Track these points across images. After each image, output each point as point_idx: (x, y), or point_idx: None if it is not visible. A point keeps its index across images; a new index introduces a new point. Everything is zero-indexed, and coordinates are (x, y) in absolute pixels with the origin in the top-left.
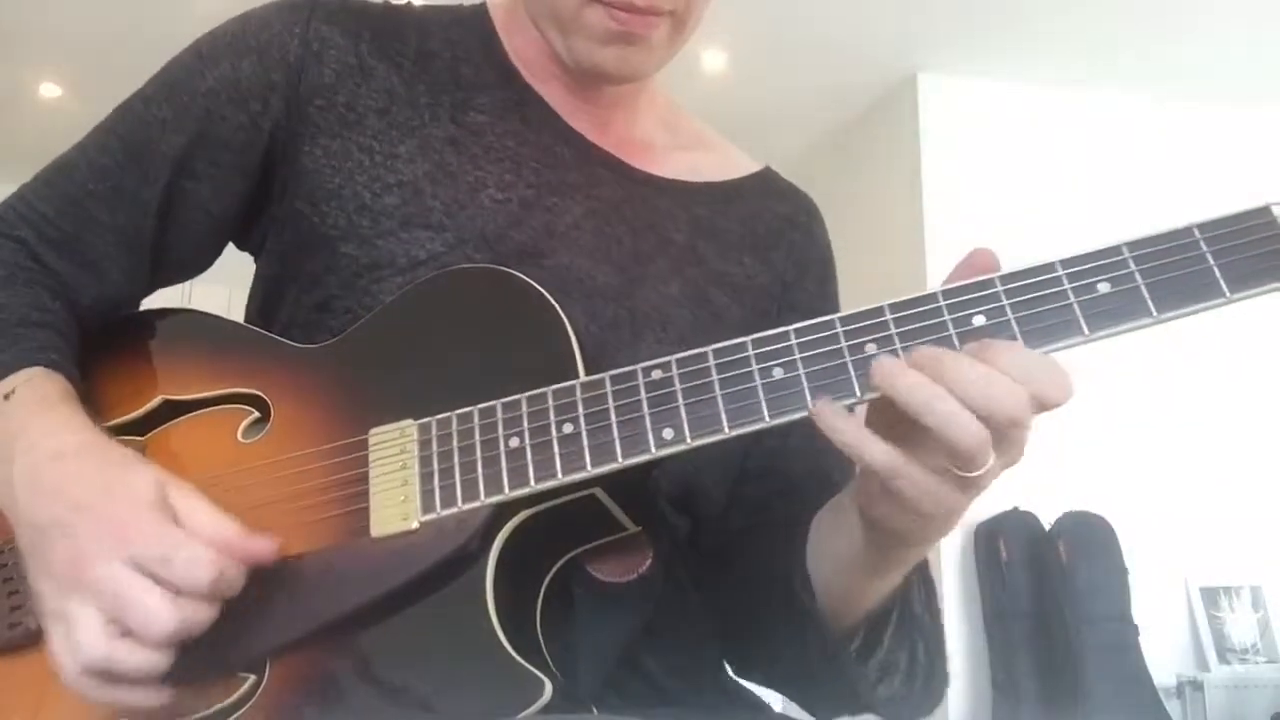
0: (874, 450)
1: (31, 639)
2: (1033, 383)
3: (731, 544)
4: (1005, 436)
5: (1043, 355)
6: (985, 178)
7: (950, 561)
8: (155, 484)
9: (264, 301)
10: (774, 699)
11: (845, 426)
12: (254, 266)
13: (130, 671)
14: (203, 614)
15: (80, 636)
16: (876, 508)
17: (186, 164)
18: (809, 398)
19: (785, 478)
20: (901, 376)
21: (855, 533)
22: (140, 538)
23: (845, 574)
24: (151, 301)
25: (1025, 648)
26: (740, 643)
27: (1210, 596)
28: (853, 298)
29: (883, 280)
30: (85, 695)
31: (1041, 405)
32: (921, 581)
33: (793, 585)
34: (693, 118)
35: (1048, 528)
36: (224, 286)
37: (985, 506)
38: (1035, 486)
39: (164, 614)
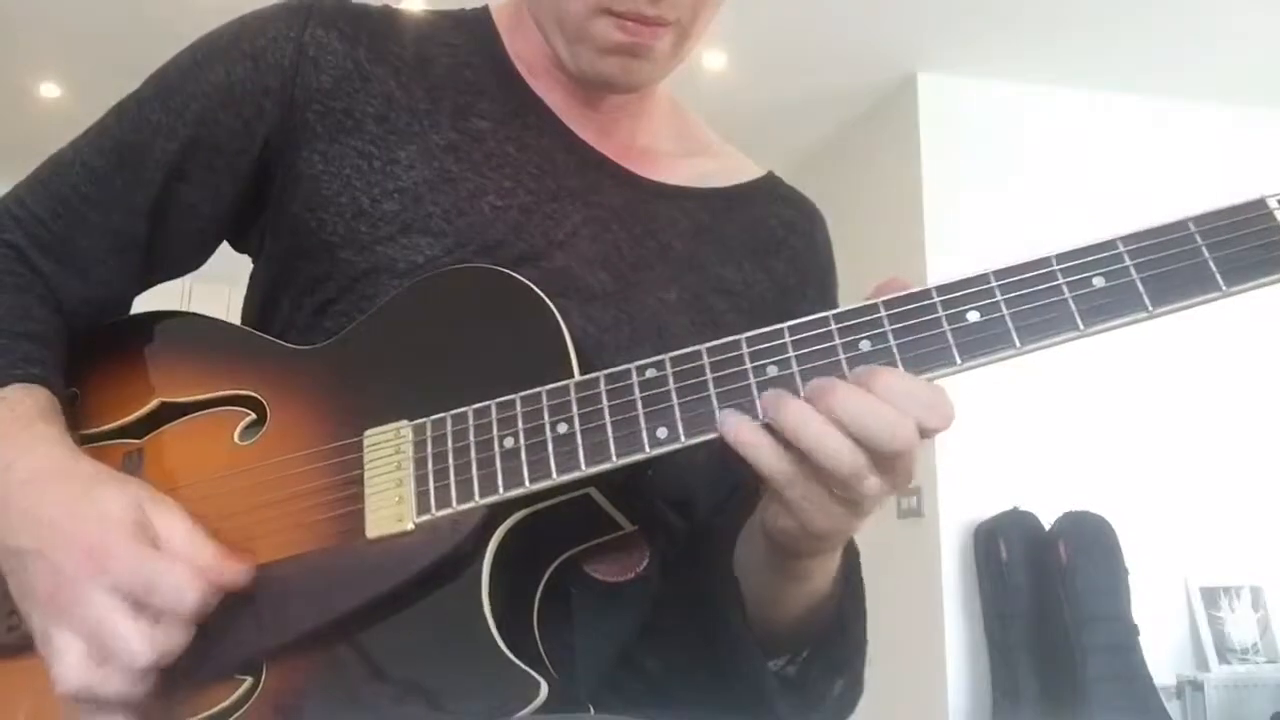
0: (770, 458)
1: (30, 642)
2: (914, 410)
3: (727, 544)
4: (889, 464)
5: (926, 382)
6: (985, 178)
7: (950, 561)
8: (131, 503)
9: (262, 305)
10: None
11: (749, 437)
12: (253, 267)
13: (111, 698)
14: (181, 638)
15: (60, 666)
16: (775, 522)
17: (179, 168)
18: (802, 396)
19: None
20: (785, 406)
21: (759, 544)
22: (119, 564)
23: (756, 582)
24: (151, 301)
25: (1025, 648)
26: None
27: (1210, 596)
28: (853, 298)
29: (882, 279)
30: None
31: (924, 432)
32: (847, 594)
33: (717, 589)
34: (698, 122)
35: (1048, 528)
36: (224, 285)
37: (985, 506)
38: (1035, 486)
39: (143, 645)
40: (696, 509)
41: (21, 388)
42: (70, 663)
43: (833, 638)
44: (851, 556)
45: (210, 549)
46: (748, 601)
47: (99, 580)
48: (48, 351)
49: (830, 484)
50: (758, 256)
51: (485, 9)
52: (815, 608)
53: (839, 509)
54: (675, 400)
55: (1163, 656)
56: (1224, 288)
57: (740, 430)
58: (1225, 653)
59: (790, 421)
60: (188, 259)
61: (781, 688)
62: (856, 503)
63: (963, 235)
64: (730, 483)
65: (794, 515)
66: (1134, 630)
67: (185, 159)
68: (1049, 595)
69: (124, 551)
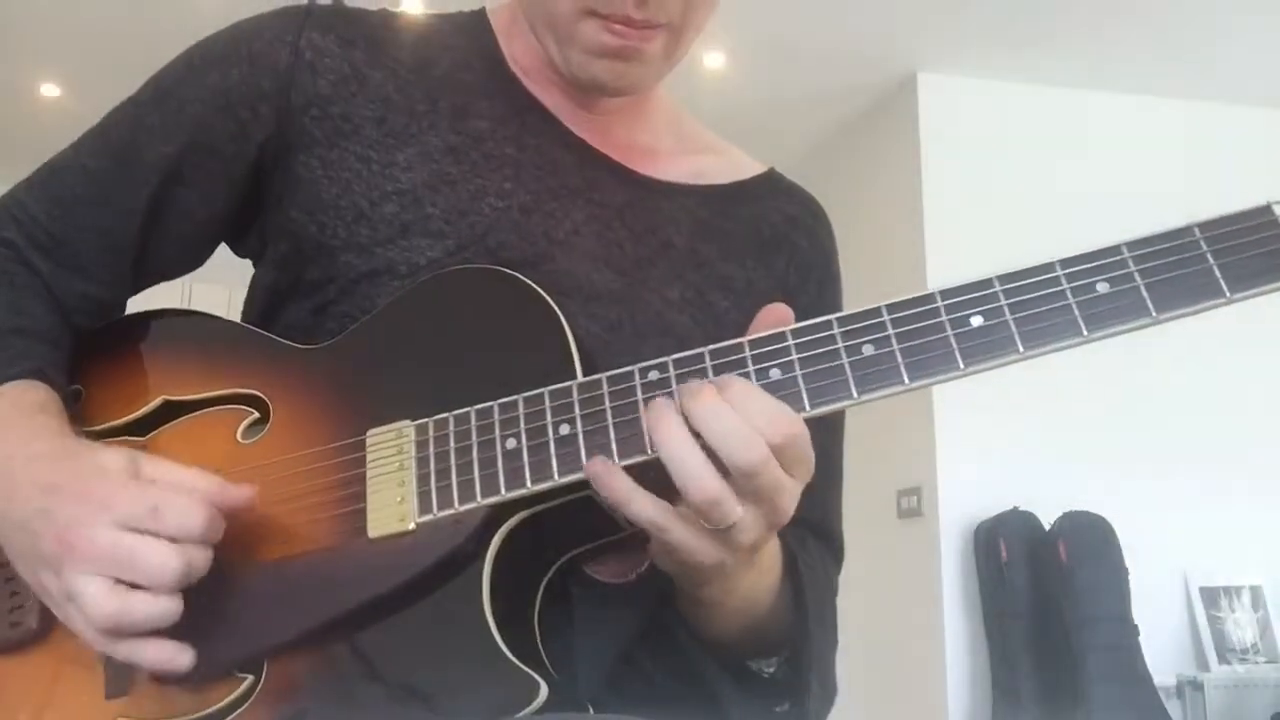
0: (640, 505)
1: (33, 638)
2: (759, 420)
3: None
4: (748, 487)
5: (773, 400)
6: (985, 178)
7: (950, 561)
8: (125, 456)
9: (263, 307)
10: None
11: (615, 484)
12: (253, 266)
13: (145, 621)
14: (201, 557)
15: (89, 603)
16: (662, 558)
17: (175, 171)
18: (805, 399)
19: None
20: (656, 420)
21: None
22: (123, 501)
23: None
24: (151, 301)
25: (1025, 648)
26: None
27: (1210, 596)
28: (852, 298)
29: (882, 280)
30: (113, 654)
31: (777, 452)
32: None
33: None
34: (697, 121)
35: (1048, 528)
36: (224, 287)
37: (985, 506)
38: (1035, 486)
39: (168, 558)
40: None
41: (22, 383)
42: (96, 596)
43: (789, 658)
44: (799, 578)
45: (209, 476)
46: (690, 623)
47: (104, 517)
48: (45, 348)
49: (699, 514)
50: (760, 253)
51: (482, 11)
52: (752, 628)
53: (710, 544)
54: None
55: (1163, 656)
56: (1229, 294)
57: (616, 489)
58: (1225, 653)
59: (660, 436)
60: (183, 261)
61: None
62: (727, 536)
63: (962, 235)
64: None
65: (668, 553)
66: (1134, 630)
67: (181, 162)
68: (1049, 595)
69: (125, 490)
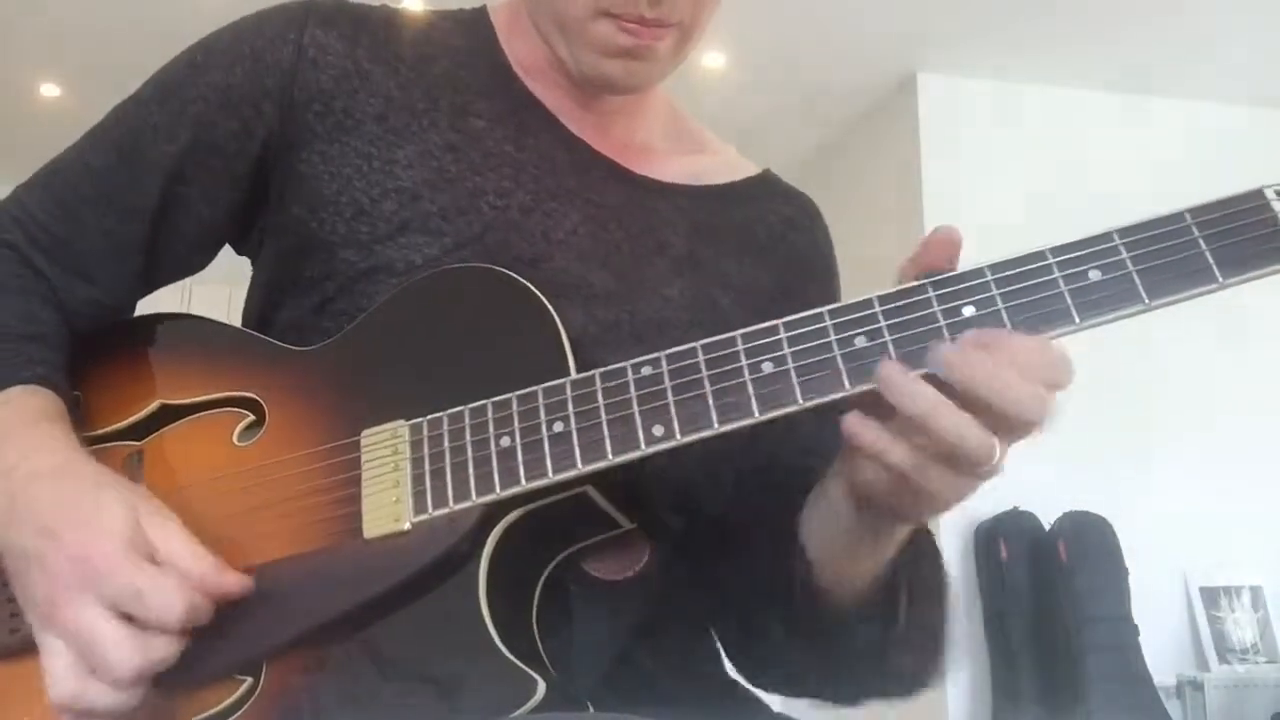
0: (898, 452)
1: (33, 644)
2: (1043, 374)
3: (729, 541)
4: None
5: (1041, 341)
6: (985, 178)
7: (950, 561)
8: (128, 515)
9: (262, 305)
10: (772, 699)
11: (870, 435)
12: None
13: (97, 710)
14: (169, 649)
15: (50, 674)
16: (872, 490)
17: (178, 170)
18: (798, 392)
19: (773, 473)
20: (908, 388)
21: (842, 519)
22: (109, 575)
23: (837, 560)
24: (152, 303)
25: (1025, 648)
26: (745, 640)
27: (1210, 596)
28: (852, 297)
29: (882, 279)
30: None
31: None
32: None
33: (793, 571)
34: (694, 121)
35: (1048, 528)
36: (224, 287)
37: (985, 506)
38: (1035, 486)
39: (130, 656)
40: (697, 506)
41: (27, 389)
42: (59, 671)
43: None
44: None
45: (206, 559)
46: (818, 569)
47: (89, 590)
48: (52, 353)
49: (962, 464)
50: (757, 253)
51: (483, 9)
52: (881, 579)
53: (964, 480)
54: (671, 398)
55: (1163, 656)
56: (1221, 279)
57: (863, 433)
58: (1225, 653)
59: (919, 408)
60: (189, 261)
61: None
62: (986, 472)
63: (963, 234)
64: (733, 477)
65: (910, 494)
66: (1134, 630)
67: (184, 161)
68: (1049, 595)
69: (115, 563)
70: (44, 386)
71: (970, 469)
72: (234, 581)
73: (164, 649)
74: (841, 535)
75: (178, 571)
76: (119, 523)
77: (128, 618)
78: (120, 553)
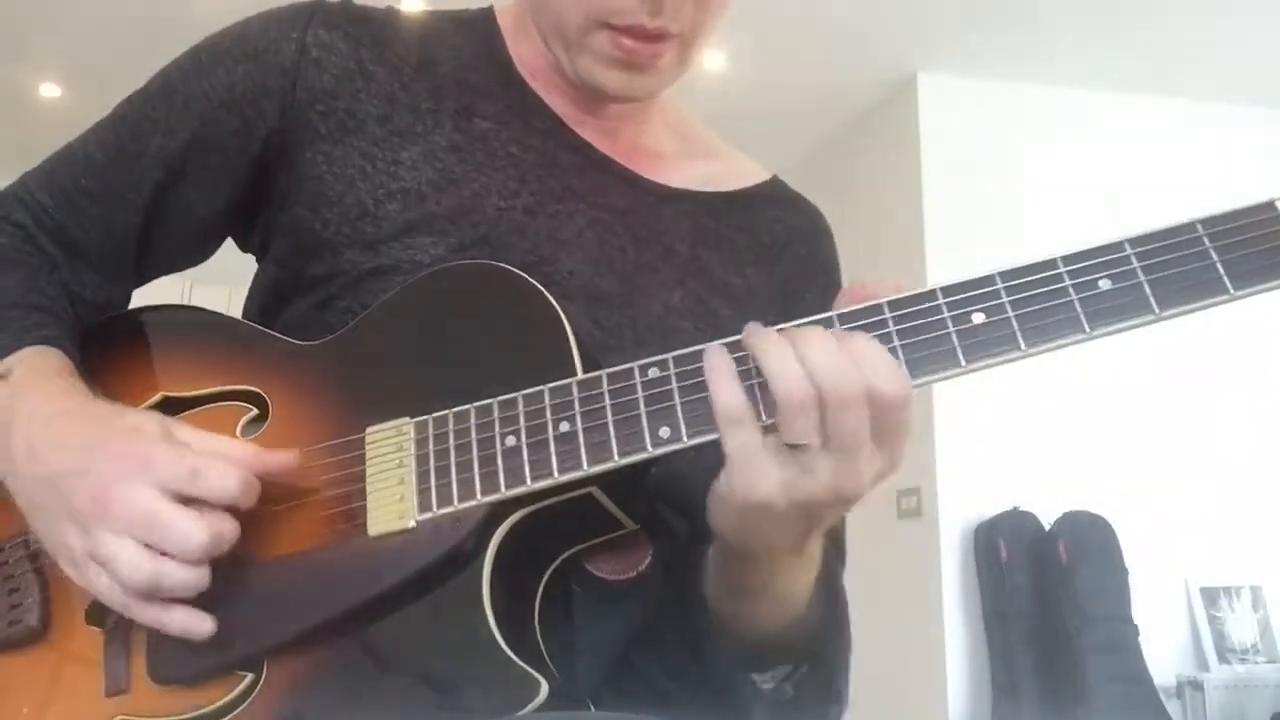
0: (730, 387)
1: (33, 636)
2: (865, 367)
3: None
4: (832, 424)
5: (890, 358)
6: (985, 178)
7: (950, 561)
8: (156, 419)
9: (265, 304)
10: None
11: (718, 361)
12: (254, 266)
13: (177, 588)
14: (230, 529)
15: (122, 565)
16: (723, 515)
17: (178, 165)
18: None
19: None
20: (761, 337)
21: (718, 559)
22: (163, 462)
23: (717, 595)
24: (153, 298)
25: (1025, 648)
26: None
27: (1210, 596)
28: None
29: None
30: (137, 618)
31: (873, 395)
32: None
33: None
34: (703, 127)
35: (1048, 528)
36: (224, 286)
37: (985, 506)
38: (1035, 486)
39: (199, 529)
40: (702, 508)
41: (38, 350)
42: (130, 557)
43: (815, 659)
44: (835, 584)
45: (244, 443)
46: (718, 616)
47: (143, 477)
48: (56, 320)
49: (781, 420)
50: (761, 261)
51: (490, 10)
52: (782, 626)
53: (776, 467)
54: (678, 400)
55: (1163, 656)
56: (1232, 291)
57: (714, 365)
58: (1225, 653)
59: (758, 346)
60: (185, 256)
61: (766, 703)
62: (797, 462)
63: (963, 235)
64: None
65: (734, 476)
66: (1134, 630)
67: (184, 157)
68: (1049, 595)
69: (163, 451)
70: (54, 348)
71: (785, 425)
72: (278, 458)
73: (225, 524)
74: (717, 583)
75: (224, 454)
76: (153, 425)
77: (184, 499)
78: (163, 443)
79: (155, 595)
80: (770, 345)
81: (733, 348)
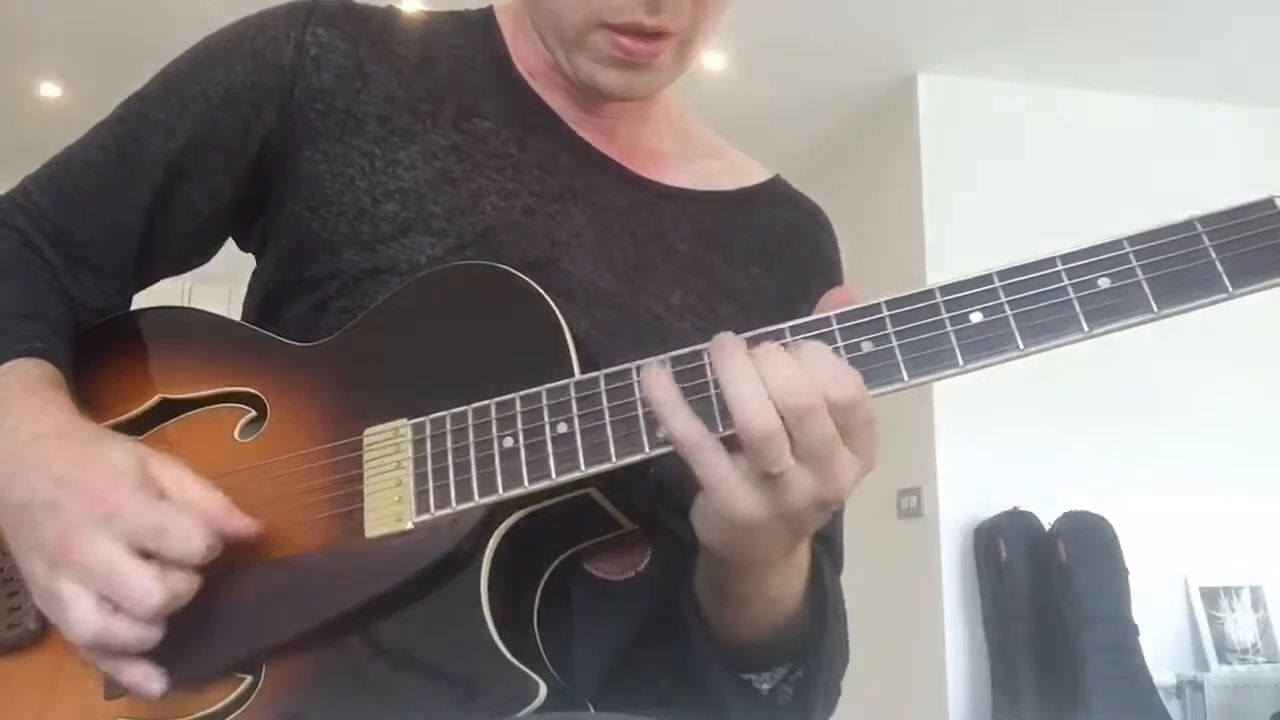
0: (681, 419)
1: (32, 639)
2: (820, 374)
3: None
4: (801, 438)
5: (840, 362)
6: (985, 178)
7: (950, 561)
8: (135, 457)
9: (262, 303)
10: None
11: (663, 394)
12: (254, 265)
13: (126, 645)
14: (188, 584)
15: (73, 615)
16: (708, 528)
17: (178, 166)
18: None
19: None
20: (720, 353)
21: (702, 566)
22: (130, 514)
23: (706, 602)
24: (150, 300)
25: (1025, 648)
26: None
27: (1210, 596)
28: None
29: (882, 280)
30: (94, 665)
31: (831, 402)
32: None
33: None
34: (704, 126)
35: (1048, 528)
36: (224, 285)
37: (985, 506)
38: (1035, 486)
39: (153, 590)
40: None
41: (29, 362)
42: (83, 611)
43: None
44: (824, 589)
45: (218, 498)
46: (712, 620)
47: (107, 527)
48: (51, 331)
49: (749, 451)
50: (762, 261)
51: (489, 10)
52: (772, 632)
53: (755, 494)
54: None
55: (1163, 656)
56: (1231, 289)
57: (661, 397)
58: (1225, 653)
59: (718, 372)
60: (187, 257)
61: (753, 703)
62: (775, 486)
63: (963, 235)
64: None
65: (713, 501)
66: (1134, 630)
67: (184, 157)
68: (1049, 595)
69: (131, 500)
70: (45, 360)
71: (756, 455)
72: (242, 523)
73: (184, 583)
74: (705, 592)
75: (195, 509)
76: (130, 465)
77: (145, 555)
78: (136, 492)
79: (104, 650)
80: (727, 378)
81: (675, 361)
